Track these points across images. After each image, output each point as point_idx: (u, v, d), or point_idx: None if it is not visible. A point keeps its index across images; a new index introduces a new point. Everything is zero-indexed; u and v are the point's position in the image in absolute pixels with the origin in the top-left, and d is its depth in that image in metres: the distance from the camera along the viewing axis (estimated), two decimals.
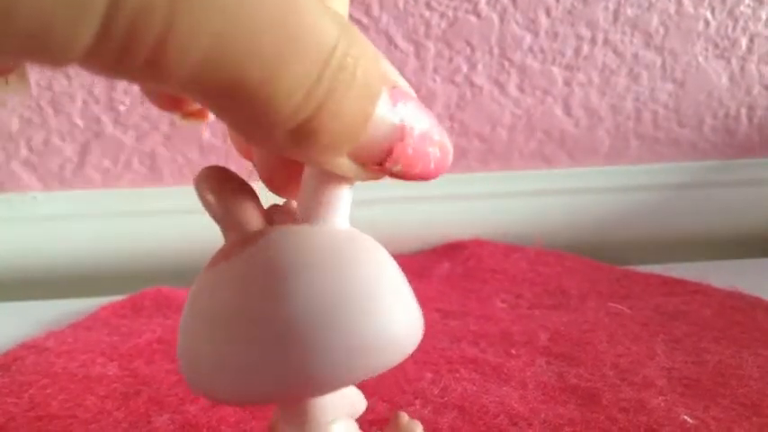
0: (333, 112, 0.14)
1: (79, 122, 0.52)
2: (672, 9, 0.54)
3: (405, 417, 0.23)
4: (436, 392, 0.31)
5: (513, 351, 0.36)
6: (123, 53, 0.11)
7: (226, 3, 0.12)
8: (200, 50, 0.12)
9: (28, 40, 0.11)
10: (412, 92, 0.17)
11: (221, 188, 0.18)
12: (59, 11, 0.11)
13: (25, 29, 0.10)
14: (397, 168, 0.16)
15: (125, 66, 0.12)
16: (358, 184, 0.18)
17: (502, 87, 0.55)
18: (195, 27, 0.12)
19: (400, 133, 0.16)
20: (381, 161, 0.16)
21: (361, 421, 0.29)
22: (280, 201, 0.20)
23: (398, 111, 0.16)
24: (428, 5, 0.52)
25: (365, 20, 0.52)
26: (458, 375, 0.33)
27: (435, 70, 0.54)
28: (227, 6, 0.12)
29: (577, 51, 0.55)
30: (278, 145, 0.15)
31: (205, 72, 0.12)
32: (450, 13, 0.52)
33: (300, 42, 0.13)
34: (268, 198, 0.19)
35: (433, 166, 0.17)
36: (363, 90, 0.15)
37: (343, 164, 0.16)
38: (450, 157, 0.18)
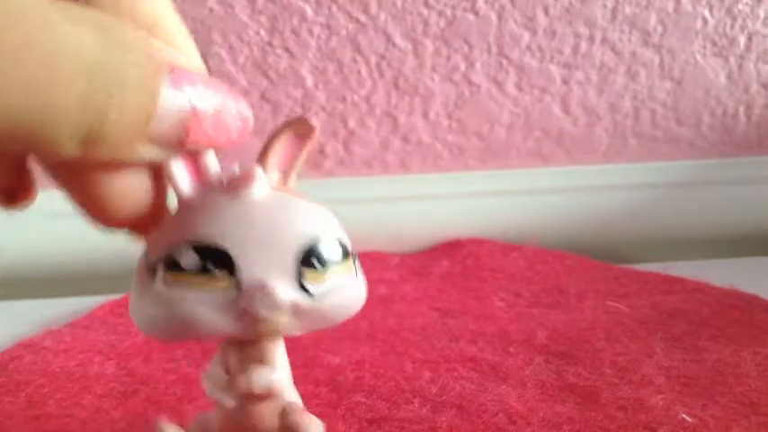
0: (113, 118, 0.14)
1: None
2: (670, 7, 0.54)
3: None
4: (434, 391, 0.31)
5: (512, 349, 0.36)
6: None
7: None
8: None
9: None
10: (196, 68, 0.17)
11: None
12: None
13: None
14: (200, 146, 0.17)
15: None
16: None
17: (500, 86, 0.55)
18: None
19: (192, 115, 0.16)
20: (181, 142, 0.16)
21: (361, 420, 0.29)
22: None
23: (185, 93, 0.16)
24: (426, 4, 0.52)
25: (363, 18, 0.52)
26: (456, 374, 0.33)
27: (433, 69, 0.54)
28: None
29: (575, 50, 0.55)
30: (70, 155, 0.15)
31: None
32: (449, 12, 0.52)
33: (59, 67, 0.13)
34: None
35: (236, 135, 0.18)
36: (139, 87, 0.15)
37: (145, 151, 0.16)
38: (251, 121, 0.18)
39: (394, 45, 0.53)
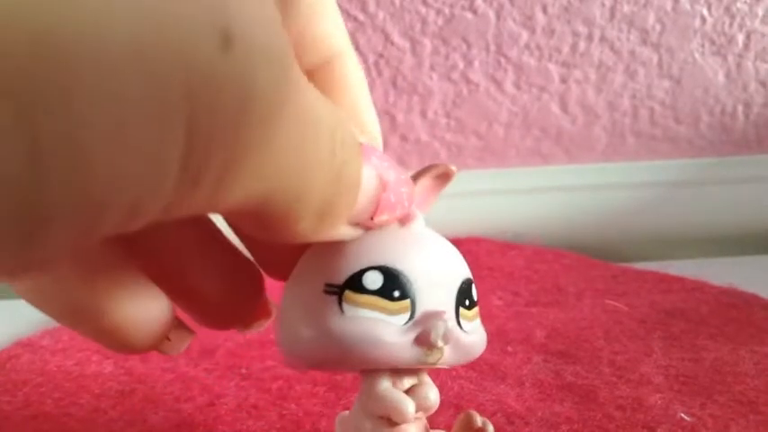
0: (345, 185, 0.15)
1: None
2: (668, 6, 0.54)
3: (477, 417, 0.23)
4: None
5: (510, 349, 0.36)
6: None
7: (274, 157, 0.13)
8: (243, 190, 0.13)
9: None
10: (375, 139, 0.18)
11: None
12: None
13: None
14: (384, 218, 0.17)
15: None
16: None
17: (498, 84, 0.55)
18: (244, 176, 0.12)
19: (382, 185, 0.16)
20: (371, 217, 0.17)
21: None
22: None
23: (374, 164, 0.16)
24: (424, 2, 0.52)
25: (361, 16, 0.52)
26: (454, 373, 0.33)
27: (432, 67, 0.54)
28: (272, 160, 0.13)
29: (574, 48, 0.55)
30: (301, 231, 0.15)
31: (242, 202, 0.13)
32: (447, 10, 0.52)
33: (317, 148, 0.14)
34: None
35: (407, 203, 0.18)
36: (355, 158, 0.15)
37: (345, 231, 0.17)
38: (413, 188, 0.18)
39: (392, 43, 0.53)
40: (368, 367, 0.19)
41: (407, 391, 0.20)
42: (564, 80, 0.56)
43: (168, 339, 0.20)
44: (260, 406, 0.30)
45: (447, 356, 0.19)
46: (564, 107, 0.57)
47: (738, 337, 0.36)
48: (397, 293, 0.18)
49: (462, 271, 0.20)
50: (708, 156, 0.59)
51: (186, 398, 0.31)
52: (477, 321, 0.21)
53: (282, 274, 0.20)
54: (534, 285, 0.46)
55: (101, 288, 0.18)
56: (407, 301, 0.18)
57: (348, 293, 0.18)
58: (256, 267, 0.21)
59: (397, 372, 0.20)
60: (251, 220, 0.14)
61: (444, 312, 0.18)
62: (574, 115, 0.57)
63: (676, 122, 0.58)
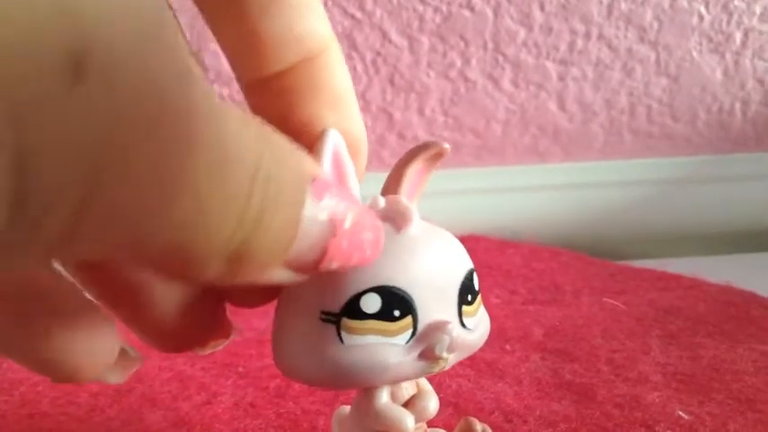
0: (266, 228, 0.13)
1: None
2: (666, 3, 0.54)
3: (477, 423, 0.23)
4: None
5: (508, 347, 0.36)
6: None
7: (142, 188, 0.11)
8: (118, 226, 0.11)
9: None
10: (329, 176, 0.16)
11: None
12: None
13: None
14: (334, 265, 0.15)
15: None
16: None
17: (496, 82, 0.55)
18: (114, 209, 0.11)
19: (332, 229, 0.14)
20: (316, 263, 0.14)
21: None
22: None
23: (325, 205, 0.14)
24: (422, 0, 0.52)
25: (359, 14, 0.52)
26: (452, 371, 0.32)
27: (429, 65, 0.54)
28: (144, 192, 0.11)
29: (571, 46, 0.54)
30: (212, 276, 0.13)
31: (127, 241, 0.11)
32: (444, 8, 0.52)
33: (227, 175, 0.12)
34: None
35: (369, 252, 0.16)
36: (291, 196, 0.13)
37: (279, 274, 0.14)
38: (383, 234, 0.16)
39: (389, 41, 0.53)
40: (372, 386, 0.19)
41: (407, 403, 0.19)
42: (561, 78, 0.55)
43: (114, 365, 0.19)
44: (257, 404, 0.30)
45: (451, 360, 0.18)
46: (561, 105, 0.56)
47: (736, 335, 0.36)
48: (397, 313, 0.17)
49: (463, 265, 0.19)
50: (705, 154, 0.59)
51: (183, 396, 0.31)
52: (480, 311, 0.20)
53: (250, 303, 0.19)
54: (532, 283, 0.46)
55: (43, 315, 0.16)
56: (409, 318, 0.17)
57: (346, 322, 0.17)
58: (217, 295, 0.19)
59: (396, 386, 0.19)
60: (145, 266, 0.13)
61: (449, 323, 0.18)
62: (571, 113, 0.57)
63: (674, 120, 0.58)
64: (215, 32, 0.17)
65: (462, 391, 0.31)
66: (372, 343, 0.17)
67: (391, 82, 0.54)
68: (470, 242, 0.54)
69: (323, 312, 0.17)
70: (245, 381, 0.32)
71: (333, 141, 0.17)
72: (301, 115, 0.18)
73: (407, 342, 0.17)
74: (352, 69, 0.53)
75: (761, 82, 0.57)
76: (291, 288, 0.18)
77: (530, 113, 0.56)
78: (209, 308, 0.19)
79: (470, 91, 0.55)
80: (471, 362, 0.34)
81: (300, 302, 0.18)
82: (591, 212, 0.58)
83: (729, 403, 0.30)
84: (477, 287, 0.19)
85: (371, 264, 0.17)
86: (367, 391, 0.19)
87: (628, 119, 0.58)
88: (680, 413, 0.29)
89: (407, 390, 0.20)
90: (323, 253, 0.14)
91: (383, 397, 0.19)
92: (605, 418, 0.29)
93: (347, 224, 0.15)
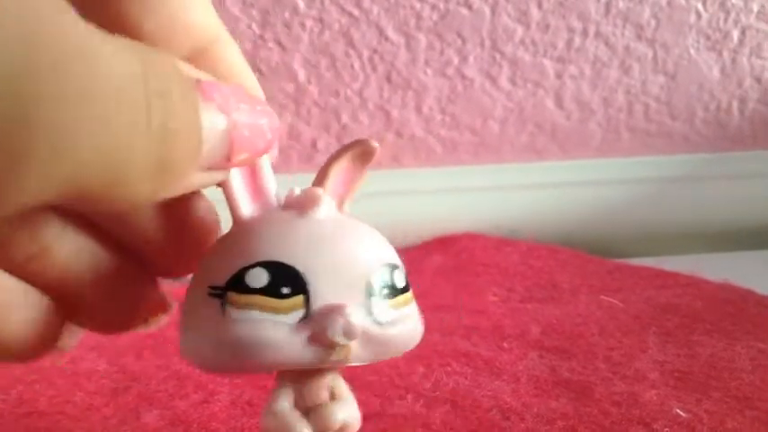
0: (174, 135, 0.13)
1: None
2: (663, 1, 0.54)
3: None
4: (428, 386, 0.31)
5: (506, 345, 0.35)
6: None
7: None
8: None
9: None
10: (210, 77, 0.17)
11: None
12: None
13: None
14: (244, 156, 0.16)
15: None
16: None
17: (493, 80, 0.55)
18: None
19: (231, 122, 0.15)
20: (228, 158, 0.15)
21: None
22: None
23: (217, 104, 0.15)
24: None
25: (356, 12, 0.52)
26: (450, 369, 0.33)
27: (426, 63, 0.54)
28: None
29: (569, 44, 0.54)
30: (146, 193, 0.14)
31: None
32: (442, 5, 0.52)
33: (123, 110, 0.12)
34: None
35: (269, 135, 0.17)
36: (184, 101, 0.14)
37: (200, 178, 0.15)
38: (278, 119, 0.17)
39: (387, 39, 0.53)
40: (266, 371, 0.18)
41: (314, 409, 0.18)
42: (559, 76, 0.55)
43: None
44: (254, 403, 0.30)
45: (358, 353, 0.17)
46: (559, 103, 0.56)
47: (734, 333, 0.36)
48: (286, 290, 0.17)
49: (380, 258, 0.18)
50: (703, 152, 0.59)
51: (180, 395, 0.31)
52: (407, 310, 0.19)
53: (175, 271, 0.19)
54: (529, 281, 0.46)
55: None
56: (300, 298, 0.17)
57: (231, 295, 0.17)
58: (143, 269, 0.19)
59: (308, 380, 0.18)
60: (72, 202, 0.13)
61: (345, 306, 0.17)
62: (569, 111, 0.57)
63: (671, 118, 0.58)
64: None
65: (459, 388, 0.31)
66: (257, 318, 0.16)
67: (388, 80, 0.54)
68: (467, 240, 0.54)
69: (210, 287, 0.17)
70: (242, 379, 0.32)
71: None
72: None
73: (300, 321, 0.17)
74: (350, 67, 0.53)
75: (758, 80, 0.57)
76: (196, 266, 0.18)
77: (527, 111, 0.56)
78: (137, 283, 0.19)
79: (468, 89, 0.55)
80: (468, 359, 0.34)
81: (196, 280, 0.18)
82: (588, 210, 0.58)
83: (727, 401, 0.30)
84: (400, 284, 0.19)
85: (264, 240, 0.17)
86: (275, 387, 0.18)
87: (625, 117, 0.58)
88: (677, 411, 0.29)
89: (319, 394, 0.18)
90: (230, 147, 0.15)
91: (281, 400, 0.18)
92: (603, 415, 0.29)
93: (242, 115, 0.15)
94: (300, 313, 0.17)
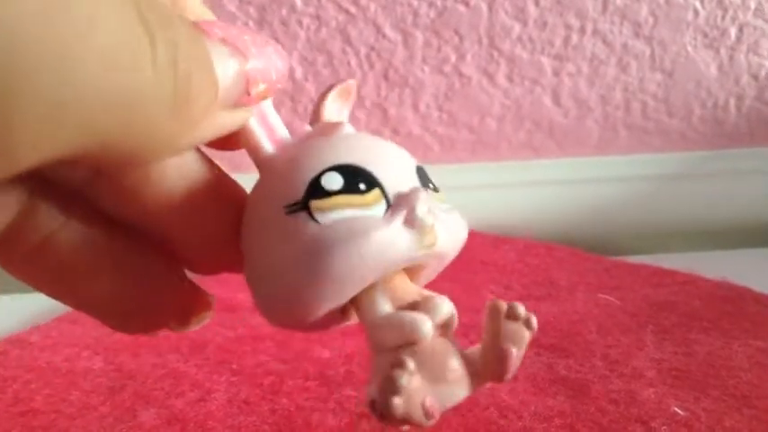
0: (186, 73, 0.13)
1: None
2: None
3: (503, 304, 0.20)
4: None
5: None
6: None
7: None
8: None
9: None
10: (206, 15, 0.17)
11: None
12: None
13: None
14: (262, 87, 0.16)
15: None
16: None
17: (491, 77, 0.55)
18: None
19: (240, 54, 0.15)
20: (247, 91, 0.15)
21: (351, 414, 0.29)
22: None
23: (219, 38, 0.15)
24: None
25: (353, 9, 0.51)
26: None
27: (424, 60, 0.54)
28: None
29: (566, 41, 0.54)
30: (168, 130, 0.14)
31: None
32: (439, 3, 0.52)
33: (120, 54, 0.12)
34: None
35: (279, 63, 0.16)
36: (187, 37, 0.13)
37: (223, 118, 0.15)
38: (280, 48, 0.17)
39: (384, 36, 0.53)
40: (363, 277, 0.17)
41: (410, 308, 0.18)
42: (556, 73, 0.55)
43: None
44: (251, 401, 0.30)
45: (443, 238, 0.17)
46: (556, 100, 0.56)
47: (731, 331, 0.36)
48: (363, 186, 0.17)
49: (411, 157, 0.19)
50: (700, 149, 0.59)
51: (177, 393, 0.31)
52: (448, 205, 0.19)
53: (207, 267, 0.19)
54: (526, 279, 0.46)
55: None
56: (377, 190, 0.17)
57: (314, 203, 0.16)
58: (177, 265, 0.19)
59: (399, 282, 0.18)
60: (100, 156, 0.13)
61: (420, 188, 0.17)
62: (566, 108, 0.57)
63: (669, 116, 0.58)
64: None
65: None
66: (350, 216, 0.16)
67: (386, 77, 0.54)
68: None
69: (287, 207, 0.16)
70: (239, 378, 0.32)
71: None
72: None
73: (385, 213, 0.17)
74: (347, 64, 0.53)
75: (755, 77, 0.57)
76: (247, 216, 0.18)
77: (524, 109, 0.56)
78: (160, 277, 0.18)
79: (465, 86, 0.55)
80: None
81: (261, 218, 0.17)
82: (586, 208, 0.57)
83: (725, 399, 0.30)
84: (433, 184, 0.19)
85: (315, 153, 0.17)
86: (365, 308, 0.17)
87: (623, 114, 0.58)
88: (675, 409, 0.29)
89: (412, 292, 0.18)
90: (245, 79, 0.15)
91: (380, 307, 0.17)
92: (600, 413, 0.28)
93: (249, 45, 0.15)
94: (383, 205, 0.17)
